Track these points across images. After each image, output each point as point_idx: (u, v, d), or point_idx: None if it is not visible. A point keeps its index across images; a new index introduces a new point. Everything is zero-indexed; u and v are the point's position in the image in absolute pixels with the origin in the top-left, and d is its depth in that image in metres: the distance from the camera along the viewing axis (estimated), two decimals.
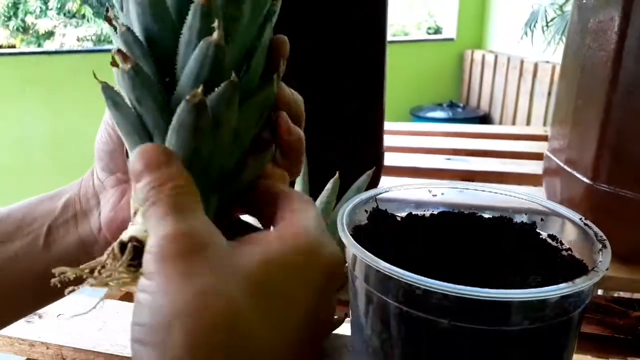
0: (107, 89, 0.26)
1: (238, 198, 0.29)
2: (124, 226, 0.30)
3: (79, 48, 3.65)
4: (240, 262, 0.21)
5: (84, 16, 3.79)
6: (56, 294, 0.34)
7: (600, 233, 0.32)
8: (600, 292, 0.67)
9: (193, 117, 0.23)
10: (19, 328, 0.49)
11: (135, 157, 0.23)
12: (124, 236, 0.23)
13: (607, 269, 0.28)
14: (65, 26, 3.90)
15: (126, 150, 0.28)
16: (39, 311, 0.51)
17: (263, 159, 0.29)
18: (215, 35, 0.23)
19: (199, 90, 0.23)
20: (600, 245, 0.30)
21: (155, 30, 0.25)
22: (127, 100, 0.26)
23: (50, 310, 0.51)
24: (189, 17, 0.24)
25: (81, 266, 0.23)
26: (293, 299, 0.22)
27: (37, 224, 0.33)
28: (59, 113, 2.67)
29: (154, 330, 0.19)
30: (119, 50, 0.25)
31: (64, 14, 3.77)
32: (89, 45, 3.85)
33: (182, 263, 0.20)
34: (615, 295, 0.65)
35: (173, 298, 0.19)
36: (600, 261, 0.29)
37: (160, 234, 0.21)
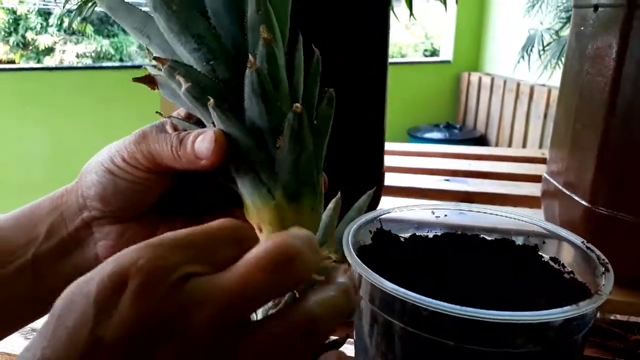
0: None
1: None
2: None
3: (79, 65, 3.67)
4: None
5: (84, 33, 3.82)
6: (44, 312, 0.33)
7: (603, 256, 0.32)
8: (597, 314, 0.67)
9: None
10: (16, 343, 0.48)
11: None
12: None
13: (610, 293, 0.28)
14: (65, 43, 3.92)
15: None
16: (35, 325, 0.51)
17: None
18: None
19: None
20: (603, 269, 0.31)
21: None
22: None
23: None
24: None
25: None
26: None
27: (19, 253, 0.31)
28: (58, 129, 2.68)
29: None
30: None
31: (64, 31, 3.80)
32: (88, 62, 3.87)
33: None
34: (613, 317, 0.65)
35: None
36: (603, 284, 0.29)
37: None
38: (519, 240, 0.39)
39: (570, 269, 0.35)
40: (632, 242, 0.57)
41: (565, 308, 0.27)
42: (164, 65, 0.26)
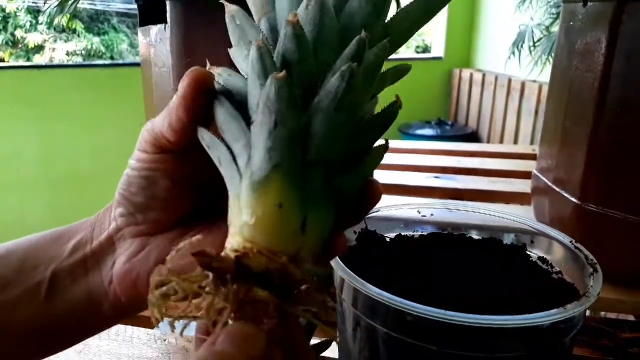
0: None
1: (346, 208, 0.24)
2: (138, 283, 0.28)
3: (69, 63, 3.64)
4: None
5: (74, 31, 3.78)
6: (60, 346, 0.30)
7: (591, 256, 0.32)
8: (586, 314, 0.66)
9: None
10: None
11: None
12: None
13: (598, 294, 0.28)
14: (55, 40, 3.88)
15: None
16: None
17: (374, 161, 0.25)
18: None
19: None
20: (591, 269, 0.30)
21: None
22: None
23: None
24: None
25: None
26: None
27: (41, 269, 0.29)
28: (48, 128, 2.65)
29: None
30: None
31: (54, 29, 3.76)
32: (78, 60, 3.83)
33: None
34: (602, 315, 0.64)
35: None
36: (591, 286, 0.28)
37: None
38: (508, 239, 0.38)
39: (558, 269, 0.35)
40: (622, 239, 0.57)
41: (552, 311, 0.26)
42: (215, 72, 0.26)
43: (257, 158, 0.22)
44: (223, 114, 0.24)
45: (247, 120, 0.23)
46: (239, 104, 0.24)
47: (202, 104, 0.25)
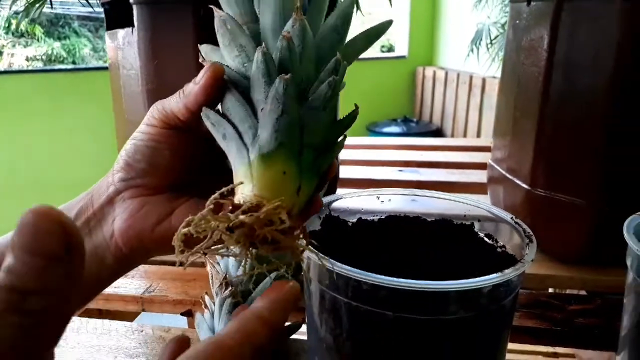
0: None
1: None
2: (140, 236, 0.33)
3: (29, 68, 3.56)
4: None
5: (34, 35, 3.71)
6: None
7: (528, 230, 0.35)
8: (551, 290, 0.71)
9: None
10: None
11: None
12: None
13: (532, 260, 0.31)
14: (13, 45, 3.79)
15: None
16: None
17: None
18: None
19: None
20: (527, 240, 0.34)
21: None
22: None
23: None
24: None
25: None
26: None
27: None
28: (9, 134, 2.60)
29: None
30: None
31: (12, 33, 3.68)
32: (39, 65, 3.76)
33: None
34: (551, 290, 0.69)
35: None
36: (526, 253, 0.32)
37: None
38: (457, 221, 0.42)
39: (502, 244, 0.38)
40: (569, 221, 0.61)
41: (492, 275, 0.29)
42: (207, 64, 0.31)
43: (264, 137, 0.28)
44: (232, 101, 0.30)
45: (252, 107, 0.30)
46: (242, 93, 0.30)
47: (217, 91, 0.31)
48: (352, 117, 0.33)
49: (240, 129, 0.29)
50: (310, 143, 0.30)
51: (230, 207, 0.27)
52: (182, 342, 0.27)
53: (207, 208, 0.26)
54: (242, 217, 0.25)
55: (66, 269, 0.19)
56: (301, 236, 0.28)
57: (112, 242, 0.33)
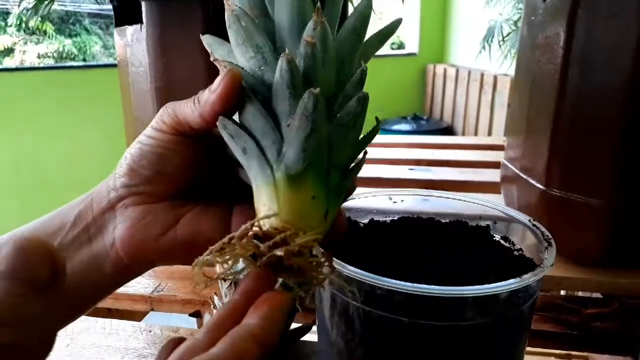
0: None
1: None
2: (143, 246, 0.31)
3: (41, 65, 3.58)
4: None
5: (45, 32, 3.73)
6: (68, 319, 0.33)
7: (547, 232, 0.34)
8: (562, 292, 0.70)
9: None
10: None
11: None
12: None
13: (551, 265, 0.30)
14: (25, 43, 3.82)
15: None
16: None
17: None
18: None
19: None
20: (546, 244, 0.33)
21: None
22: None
23: None
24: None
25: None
26: None
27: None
28: (19, 132, 2.61)
29: None
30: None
31: (24, 31, 3.70)
32: (50, 62, 3.78)
33: None
34: (564, 293, 0.68)
35: None
36: (545, 258, 0.31)
37: None
38: (473, 222, 0.41)
39: (519, 247, 0.37)
40: (584, 221, 0.60)
41: (510, 281, 0.28)
42: (220, 65, 0.29)
43: (291, 156, 0.26)
44: (252, 111, 0.28)
45: (273, 119, 0.27)
46: (262, 102, 0.28)
47: (235, 100, 0.28)
48: (373, 133, 0.31)
49: (262, 144, 0.27)
50: (337, 163, 0.28)
51: (254, 232, 0.26)
52: (179, 344, 0.26)
53: (237, 237, 0.25)
54: (274, 250, 0.25)
55: (49, 298, 0.18)
56: (326, 264, 0.26)
57: (113, 251, 0.32)
